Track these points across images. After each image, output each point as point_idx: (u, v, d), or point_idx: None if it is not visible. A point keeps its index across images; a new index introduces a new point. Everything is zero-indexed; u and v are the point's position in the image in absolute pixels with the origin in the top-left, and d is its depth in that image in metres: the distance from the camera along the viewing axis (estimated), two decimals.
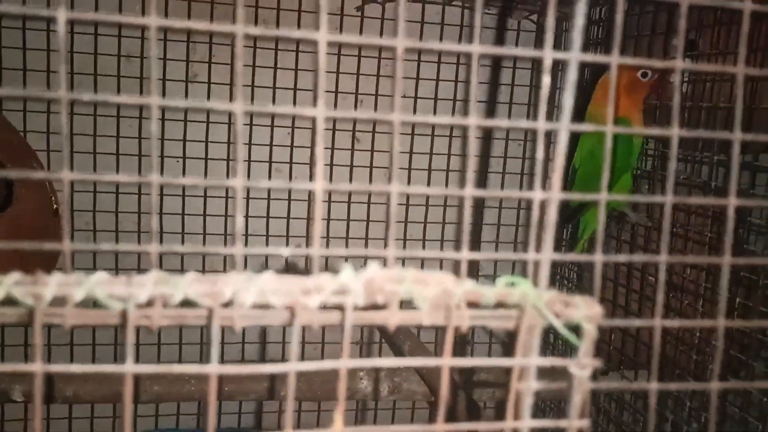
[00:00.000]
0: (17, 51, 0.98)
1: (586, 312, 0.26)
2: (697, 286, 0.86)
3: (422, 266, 0.27)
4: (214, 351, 0.24)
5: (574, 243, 0.98)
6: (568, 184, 0.91)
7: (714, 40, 0.84)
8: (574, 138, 0.91)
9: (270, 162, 1.08)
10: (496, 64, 1.14)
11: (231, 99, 1.02)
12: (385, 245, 0.26)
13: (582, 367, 0.27)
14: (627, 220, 0.96)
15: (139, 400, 0.76)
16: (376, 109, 1.08)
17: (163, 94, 1.04)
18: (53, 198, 0.81)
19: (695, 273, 0.87)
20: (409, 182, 1.10)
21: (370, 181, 1.09)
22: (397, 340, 0.76)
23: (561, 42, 1.13)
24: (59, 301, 0.23)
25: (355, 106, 1.10)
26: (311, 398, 0.80)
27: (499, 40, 1.14)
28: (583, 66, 1.09)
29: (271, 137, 1.08)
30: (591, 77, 1.05)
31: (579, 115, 0.92)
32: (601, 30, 1.09)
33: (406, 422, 1.15)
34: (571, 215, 0.94)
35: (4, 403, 1.02)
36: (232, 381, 0.73)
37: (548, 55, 0.27)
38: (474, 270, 1.11)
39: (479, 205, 1.14)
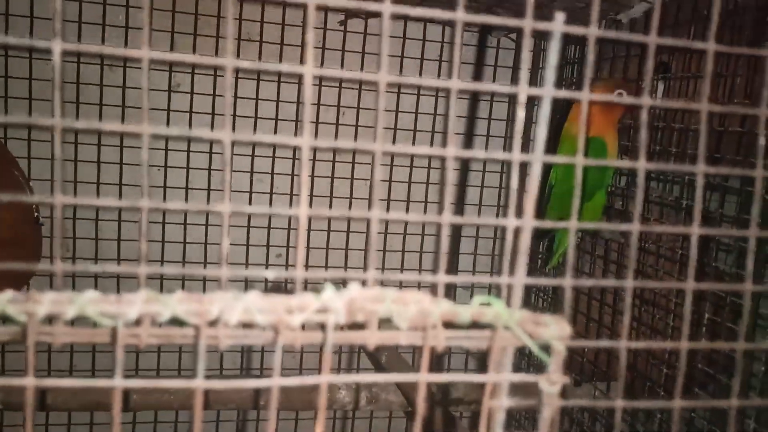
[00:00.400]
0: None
1: (556, 332, 0.28)
2: (668, 301, 0.88)
3: (400, 287, 0.28)
4: (200, 367, 0.25)
5: (550, 256, 1.00)
6: (544, 200, 0.93)
7: (686, 63, 0.87)
8: (551, 151, 0.94)
9: (252, 172, 1.09)
10: (474, 95, 1.17)
11: (212, 111, 1.02)
12: (365, 268, 0.28)
13: (552, 383, 0.28)
14: (601, 236, 0.99)
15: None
16: (357, 132, 1.10)
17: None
18: (34, 207, 0.81)
19: (666, 289, 0.89)
20: (387, 210, 1.12)
21: (350, 208, 1.11)
22: (375, 352, 0.77)
23: (539, 62, 1.15)
24: (50, 319, 0.24)
25: (337, 119, 1.11)
26: (290, 408, 0.81)
27: (480, 57, 1.16)
28: (559, 84, 1.12)
29: (253, 149, 1.09)
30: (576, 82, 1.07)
31: (557, 131, 0.94)
32: (574, 69, 1.12)
33: None
34: (547, 230, 0.96)
35: None
36: (213, 390, 0.73)
37: (523, 90, 0.29)
38: (451, 296, 1.13)
39: (456, 234, 1.16)
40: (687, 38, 0.85)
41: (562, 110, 1.06)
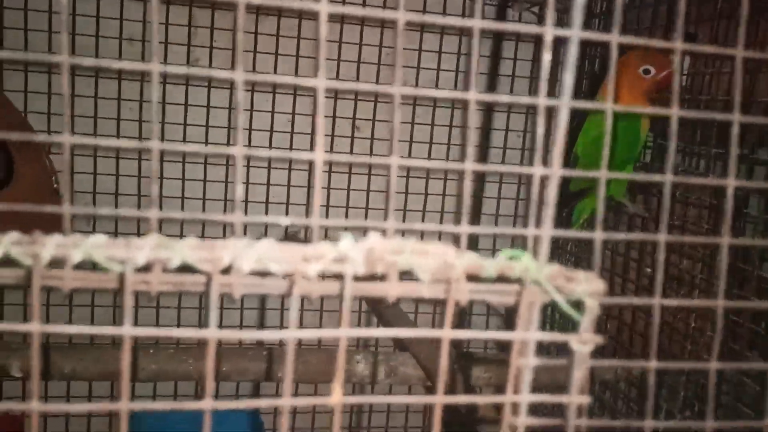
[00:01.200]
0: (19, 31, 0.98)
1: (589, 287, 0.26)
2: (692, 277, 0.86)
3: (421, 239, 0.27)
4: (212, 316, 0.24)
5: (569, 227, 0.98)
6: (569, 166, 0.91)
7: (713, 34, 0.84)
8: (576, 126, 0.91)
9: (271, 131, 1.08)
10: (497, 44, 1.14)
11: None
12: (385, 217, 0.26)
13: (584, 342, 0.27)
14: (624, 211, 0.96)
15: (136, 378, 0.76)
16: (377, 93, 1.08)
17: (164, 78, 1.03)
18: (53, 177, 0.80)
19: (690, 264, 0.87)
20: (410, 155, 1.10)
21: (371, 153, 1.09)
22: (388, 318, 0.76)
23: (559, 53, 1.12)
24: (57, 264, 0.23)
25: (357, 76, 1.09)
26: (308, 380, 0.80)
27: (500, 32, 1.14)
28: (592, 58, 1.08)
29: (273, 106, 1.08)
30: (598, 75, 1.05)
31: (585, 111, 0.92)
32: (601, 23, 1.08)
33: (402, 406, 1.15)
34: (566, 201, 0.93)
35: (2, 380, 1.02)
36: (229, 360, 0.73)
37: (549, 31, 0.27)
38: (473, 245, 1.11)
39: (480, 179, 1.14)
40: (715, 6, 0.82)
41: (592, 91, 1.03)
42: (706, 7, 0.85)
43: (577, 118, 0.91)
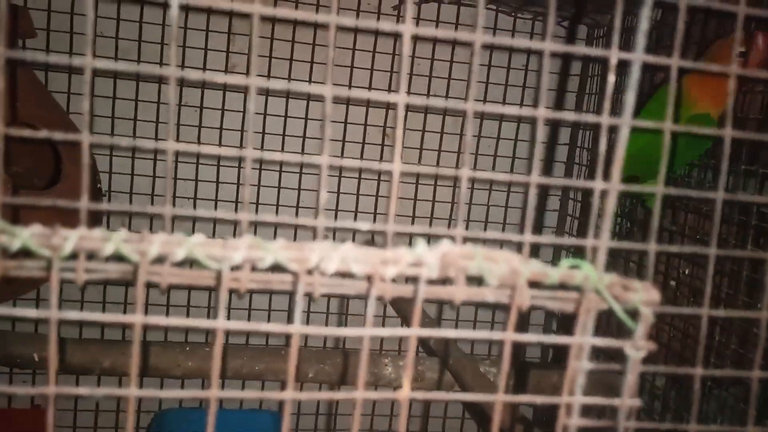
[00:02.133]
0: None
1: (645, 296, 0.28)
2: (719, 291, 0.87)
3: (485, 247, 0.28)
4: (298, 313, 0.26)
5: None
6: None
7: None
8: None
9: (343, 140, 1.11)
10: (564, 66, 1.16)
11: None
12: (449, 224, 0.28)
13: (638, 348, 0.28)
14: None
15: (170, 374, 0.78)
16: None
17: (203, 85, 1.06)
18: (97, 177, 0.83)
19: (718, 278, 0.88)
20: (475, 167, 1.12)
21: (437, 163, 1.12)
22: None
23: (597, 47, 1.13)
24: (157, 260, 0.25)
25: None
26: (333, 382, 0.82)
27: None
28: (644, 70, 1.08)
29: (347, 110, 1.10)
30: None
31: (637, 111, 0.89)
32: (651, 36, 1.10)
33: (440, 415, 1.17)
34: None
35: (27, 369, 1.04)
36: (261, 360, 0.75)
37: (614, 54, 0.29)
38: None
39: (542, 193, 1.16)
40: None
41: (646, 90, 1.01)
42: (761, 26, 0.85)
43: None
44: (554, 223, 1.19)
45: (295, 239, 1.04)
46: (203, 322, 0.25)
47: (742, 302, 0.77)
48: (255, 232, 1.01)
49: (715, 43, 0.81)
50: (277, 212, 1.10)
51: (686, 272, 0.91)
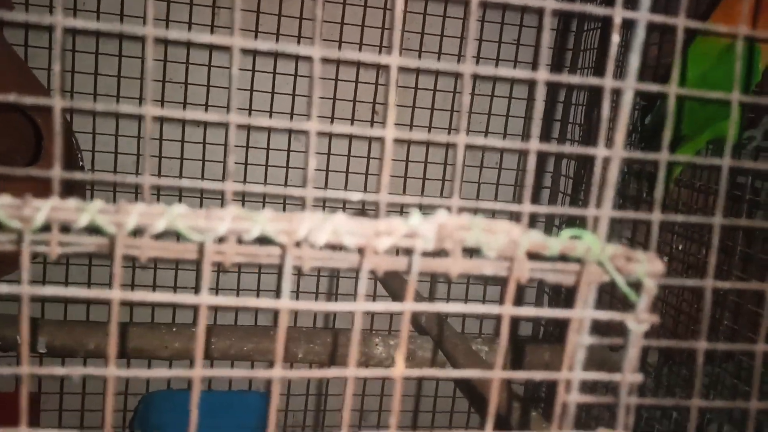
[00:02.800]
0: None
1: (648, 268, 0.27)
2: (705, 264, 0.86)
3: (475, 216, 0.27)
4: (286, 288, 0.25)
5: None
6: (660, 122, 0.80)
7: None
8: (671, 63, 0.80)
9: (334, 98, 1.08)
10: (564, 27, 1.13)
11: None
12: (442, 193, 0.27)
13: (640, 321, 0.27)
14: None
15: (157, 355, 0.77)
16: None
17: (187, 57, 1.03)
18: (79, 155, 0.81)
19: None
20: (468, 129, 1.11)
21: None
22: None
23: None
24: (137, 233, 0.24)
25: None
26: (323, 362, 0.81)
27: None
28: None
29: (337, 70, 1.08)
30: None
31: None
32: None
33: (430, 394, 1.16)
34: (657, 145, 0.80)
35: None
36: (250, 341, 0.74)
37: (618, 13, 0.27)
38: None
39: (537, 169, 1.14)
40: None
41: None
42: None
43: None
44: (546, 201, 1.17)
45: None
46: (187, 298, 0.24)
47: (736, 276, 0.76)
48: (243, 204, 0.99)
49: None
50: (265, 183, 1.08)
51: (679, 248, 0.90)
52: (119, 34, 1.00)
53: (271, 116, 1.07)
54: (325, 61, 0.25)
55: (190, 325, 0.78)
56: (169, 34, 0.24)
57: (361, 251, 0.25)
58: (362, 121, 1.10)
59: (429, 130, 1.11)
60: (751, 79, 0.72)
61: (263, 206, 1.05)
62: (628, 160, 0.88)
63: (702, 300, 0.29)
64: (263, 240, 0.25)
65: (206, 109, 1.05)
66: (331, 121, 1.08)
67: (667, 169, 0.86)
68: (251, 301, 0.24)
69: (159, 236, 0.24)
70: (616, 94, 0.28)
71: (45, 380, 1.06)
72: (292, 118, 1.08)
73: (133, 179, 0.25)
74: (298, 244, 0.25)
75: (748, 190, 0.77)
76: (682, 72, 0.75)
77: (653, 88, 0.29)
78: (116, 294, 0.23)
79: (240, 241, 0.25)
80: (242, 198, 1.04)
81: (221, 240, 0.25)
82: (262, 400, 1.09)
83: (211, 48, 1.03)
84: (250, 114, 1.07)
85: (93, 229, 0.23)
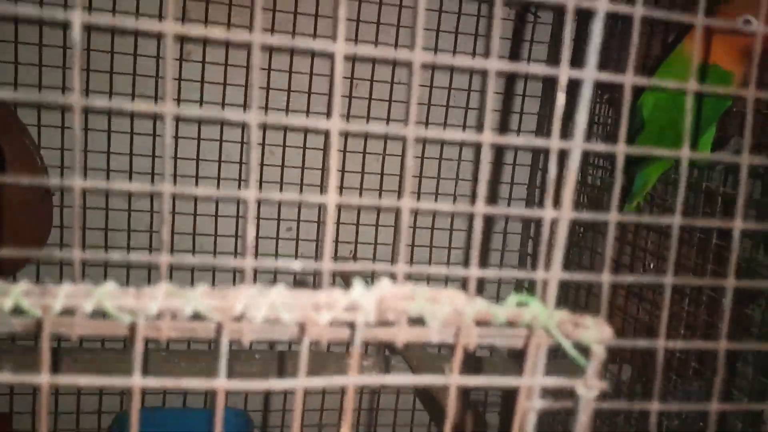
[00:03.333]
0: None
1: (596, 334, 0.26)
2: (686, 261, 0.86)
3: (428, 283, 0.26)
4: (222, 365, 0.24)
5: (629, 199, 0.84)
6: (633, 131, 0.79)
7: None
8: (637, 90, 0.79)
9: (282, 166, 1.08)
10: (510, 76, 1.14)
11: (246, 104, 1.01)
12: (393, 261, 0.26)
13: (589, 387, 0.27)
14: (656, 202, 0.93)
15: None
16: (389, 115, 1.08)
17: (156, 72, 1.02)
18: (37, 157, 0.80)
19: (685, 249, 0.86)
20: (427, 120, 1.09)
21: (380, 196, 1.09)
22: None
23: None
24: (68, 311, 0.23)
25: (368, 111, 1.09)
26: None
27: (517, 32, 1.13)
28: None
29: (285, 138, 1.08)
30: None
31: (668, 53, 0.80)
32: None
33: (390, 407, 1.15)
34: (633, 163, 0.80)
35: None
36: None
37: (564, 72, 0.27)
38: (479, 291, 1.11)
39: (487, 229, 1.14)
40: None
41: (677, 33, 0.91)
42: None
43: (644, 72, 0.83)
44: (523, 195, 1.18)
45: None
46: (116, 381, 0.23)
47: (711, 271, 0.76)
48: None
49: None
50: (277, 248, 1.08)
51: (650, 243, 0.90)
52: (134, 31, 0.99)
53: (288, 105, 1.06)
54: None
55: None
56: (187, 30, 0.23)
57: (301, 325, 0.25)
58: (352, 152, 1.09)
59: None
60: (722, 104, 0.73)
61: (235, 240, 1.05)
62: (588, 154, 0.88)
63: (692, 303, 0.29)
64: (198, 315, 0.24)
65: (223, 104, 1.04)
66: (323, 156, 1.08)
67: (640, 179, 0.84)
68: (185, 382, 0.23)
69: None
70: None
71: (16, 400, 1.05)
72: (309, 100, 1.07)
73: (149, 258, 0.24)
74: (237, 318, 0.24)
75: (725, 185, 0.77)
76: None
77: (600, 148, 0.28)
78: (45, 379, 0.23)
79: (174, 316, 0.24)
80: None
81: (158, 315, 0.24)
82: (237, 418, 1.08)
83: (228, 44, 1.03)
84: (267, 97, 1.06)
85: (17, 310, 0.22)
